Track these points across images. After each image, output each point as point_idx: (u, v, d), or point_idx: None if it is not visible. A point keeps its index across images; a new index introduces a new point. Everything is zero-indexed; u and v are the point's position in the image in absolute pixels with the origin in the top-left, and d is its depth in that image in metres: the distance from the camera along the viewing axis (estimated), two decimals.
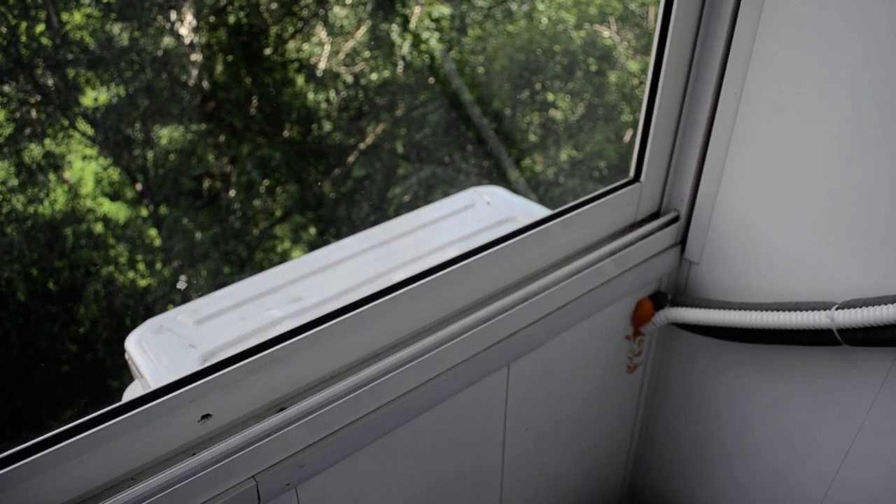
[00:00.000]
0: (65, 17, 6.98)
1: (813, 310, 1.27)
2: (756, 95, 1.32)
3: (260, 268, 7.93)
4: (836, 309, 1.23)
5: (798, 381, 1.48)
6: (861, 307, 1.19)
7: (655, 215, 1.59)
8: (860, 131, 1.18)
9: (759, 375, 1.56)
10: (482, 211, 1.97)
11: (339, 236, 8.09)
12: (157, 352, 1.53)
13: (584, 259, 1.44)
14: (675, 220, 1.56)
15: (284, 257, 8.34)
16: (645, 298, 1.63)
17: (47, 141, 7.11)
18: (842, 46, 1.15)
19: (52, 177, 7.20)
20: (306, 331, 1.09)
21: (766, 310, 1.35)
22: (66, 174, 7.69)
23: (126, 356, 1.59)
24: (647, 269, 1.55)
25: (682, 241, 1.60)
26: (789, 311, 1.31)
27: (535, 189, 8.11)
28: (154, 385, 1.46)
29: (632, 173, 1.53)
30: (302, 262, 1.82)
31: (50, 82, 7.00)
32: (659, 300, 1.63)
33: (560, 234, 1.41)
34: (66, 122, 7.24)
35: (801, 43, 1.21)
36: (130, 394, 1.65)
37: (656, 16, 1.34)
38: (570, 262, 1.43)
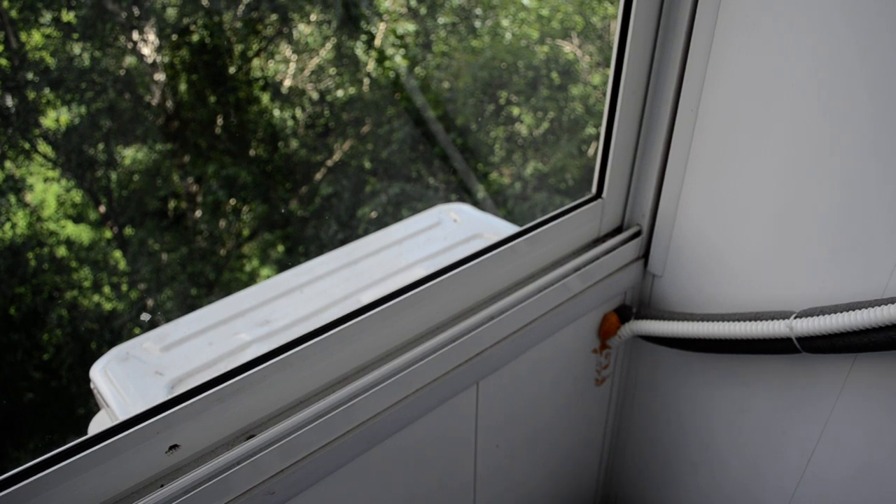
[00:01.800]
0: (24, 37, 6.88)
1: (772, 319, 1.30)
2: (711, 112, 1.35)
3: (228, 288, 7.84)
4: (795, 318, 1.26)
5: (760, 388, 1.51)
6: (818, 315, 1.22)
7: (618, 230, 1.62)
8: (810, 146, 1.22)
9: (723, 383, 1.59)
10: (449, 228, 1.99)
11: (307, 254, 8.04)
12: (122, 380, 1.51)
13: (550, 275, 1.45)
14: (637, 234, 1.59)
15: (253, 276, 8.26)
16: (611, 312, 1.65)
17: (7, 163, 6.98)
18: (791, 66, 1.19)
19: (12, 200, 7.07)
20: (274, 357, 1.09)
21: (728, 320, 1.38)
22: (28, 197, 7.54)
23: (91, 385, 1.57)
24: (611, 283, 1.57)
25: (645, 255, 1.63)
26: (749, 321, 1.33)
27: (504, 203, 8.16)
28: (120, 414, 1.44)
29: (594, 190, 1.55)
30: (269, 285, 1.82)
31: (9, 103, 6.88)
32: (624, 313, 1.65)
33: (525, 252, 1.43)
34: (26, 145, 7.11)
35: (753, 62, 1.24)
36: (97, 424, 1.63)
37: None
38: (535, 279, 1.45)
